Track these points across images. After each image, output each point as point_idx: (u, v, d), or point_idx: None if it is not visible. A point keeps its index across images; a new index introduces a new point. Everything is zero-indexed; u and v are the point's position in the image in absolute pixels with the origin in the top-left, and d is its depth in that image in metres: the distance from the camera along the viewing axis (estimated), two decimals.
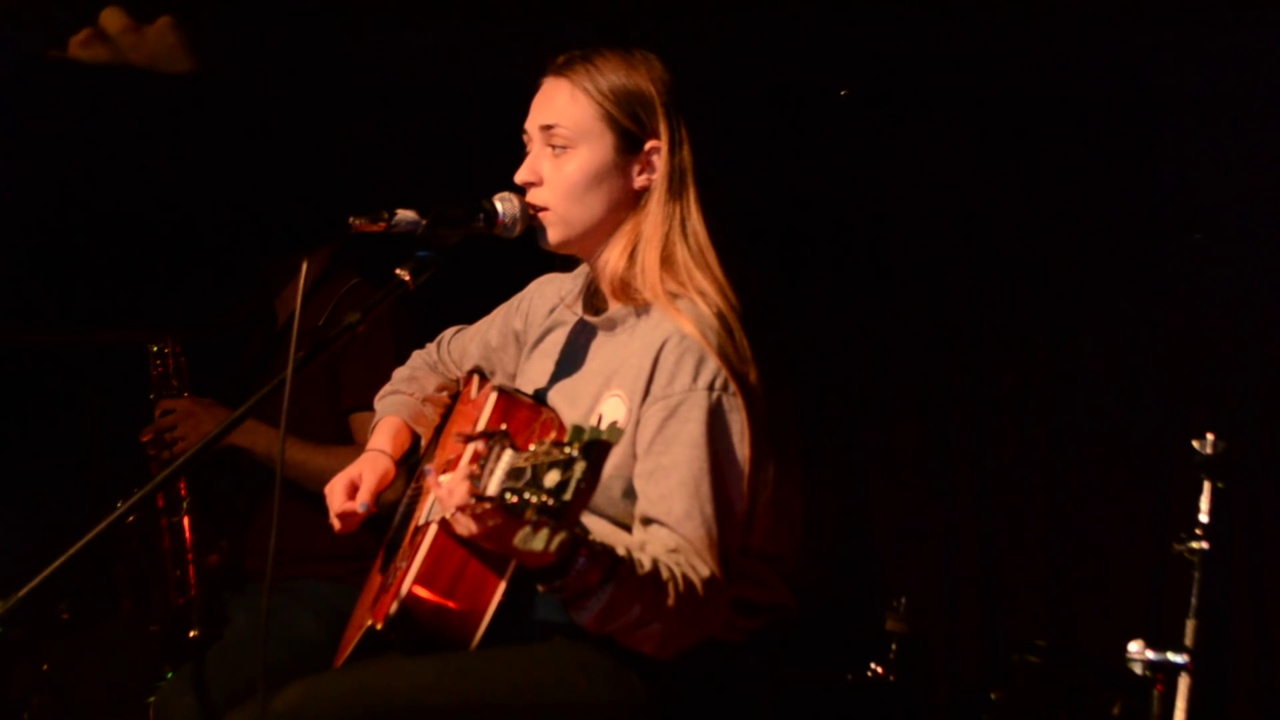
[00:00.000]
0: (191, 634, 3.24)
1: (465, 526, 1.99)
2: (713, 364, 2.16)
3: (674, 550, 2.11)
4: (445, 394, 2.72)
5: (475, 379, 2.65)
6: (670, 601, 2.04)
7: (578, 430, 1.80)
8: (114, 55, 1.23)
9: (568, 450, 1.78)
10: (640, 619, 2.06)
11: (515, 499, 1.80)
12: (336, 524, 2.49)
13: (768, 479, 2.19)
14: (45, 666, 3.13)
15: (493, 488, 1.88)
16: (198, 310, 3.69)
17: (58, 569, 2.13)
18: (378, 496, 2.50)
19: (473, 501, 1.92)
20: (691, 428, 2.14)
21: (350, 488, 2.49)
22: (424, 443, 2.69)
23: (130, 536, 3.37)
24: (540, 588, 2.03)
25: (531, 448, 1.85)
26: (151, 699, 3.09)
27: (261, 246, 3.59)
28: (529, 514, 1.77)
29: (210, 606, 3.30)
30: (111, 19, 1.26)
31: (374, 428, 2.66)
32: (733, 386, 2.16)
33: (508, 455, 1.90)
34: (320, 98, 4.21)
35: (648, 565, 2.05)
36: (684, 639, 2.11)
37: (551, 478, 1.77)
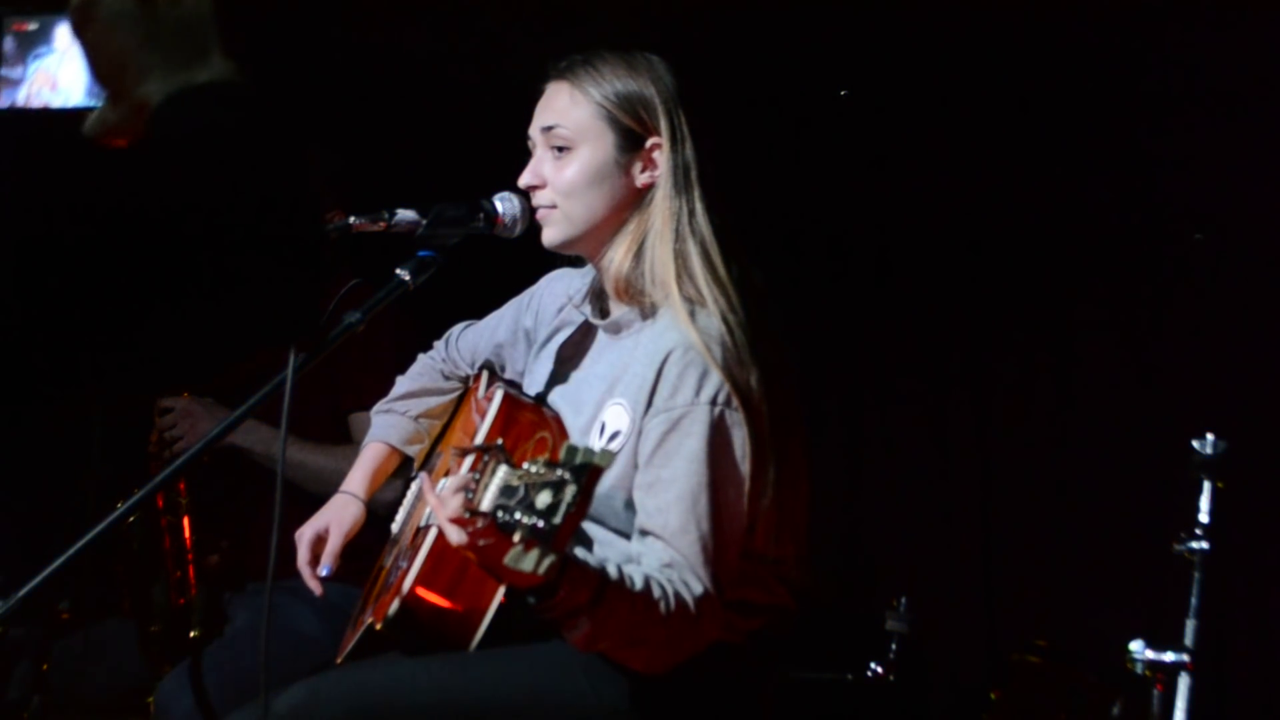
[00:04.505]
0: (192, 634, 3.24)
1: (456, 538, 1.99)
2: (716, 378, 2.14)
3: (668, 565, 2.09)
4: (448, 399, 2.72)
5: (485, 375, 2.65)
6: (660, 620, 2.03)
7: (571, 450, 1.78)
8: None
9: (560, 472, 1.77)
10: (630, 638, 2.05)
11: (507, 517, 1.79)
12: (306, 574, 2.52)
13: (769, 488, 2.18)
14: (45, 666, 3.13)
15: (486, 504, 1.86)
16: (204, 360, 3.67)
17: (58, 569, 2.12)
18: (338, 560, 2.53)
19: (465, 515, 1.91)
20: (692, 442, 2.13)
21: (316, 542, 2.55)
22: (418, 459, 2.71)
23: (130, 536, 3.37)
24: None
25: (525, 465, 1.83)
26: (151, 698, 3.09)
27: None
28: (518, 534, 1.76)
29: (210, 606, 3.30)
30: None
31: (361, 449, 2.69)
32: (736, 401, 2.14)
33: (502, 471, 1.88)
34: (320, 98, 4.22)
35: (639, 583, 2.03)
36: (674, 656, 2.10)
37: (543, 498, 1.76)
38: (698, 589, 2.08)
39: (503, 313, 2.66)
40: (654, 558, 2.11)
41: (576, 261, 2.49)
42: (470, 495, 1.92)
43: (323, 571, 2.51)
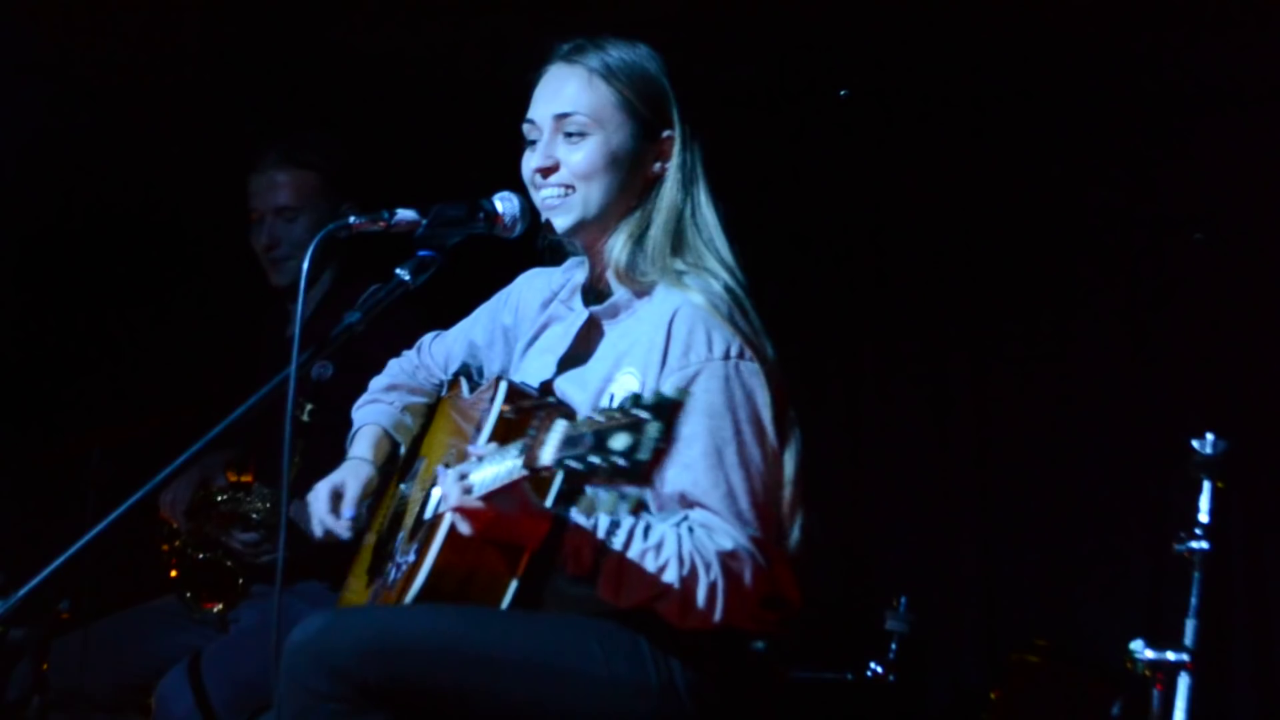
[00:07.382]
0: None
1: (466, 530, 1.99)
2: (725, 331, 2.16)
3: (703, 524, 2.10)
4: (425, 400, 2.70)
5: (461, 381, 2.62)
6: (687, 575, 2.05)
7: (636, 397, 1.79)
8: None
9: (635, 413, 1.76)
10: (658, 592, 2.06)
11: (579, 465, 1.79)
12: (318, 531, 2.49)
13: (792, 444, 2.19)
14: (45, 666, 3.13)
15: (548, 457, 1.87)
16: None
17: (58, 568, 2.12)
18: (360, 505, 2.50)
19: (474, 504, 1.92)
20: (711, 397, 2.13)
21: (334, 497, 2.50)
22: (404, 451, 2.69)
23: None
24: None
25: (589, 415, 1.83)
26: (152, 699, 3.10)
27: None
28: (601, 477, 1.77)
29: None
30: None
31: (354, 436, 2.66)
32: (749, 352, 2.15)
33: (561, 425, 1.88)
34: (321, 97, 4.22)
35: (657, 536, 2.06)
36: (709, 612, 2.09)
37: (620, 440, 1.75)
38: (729, 544, 2.08)
39: (476, 316, 2.65)
40: (686, 517, 2.11)
41: (552, 261, 2.49)
42: (467, 480, 1.95)
43: (347, 513, 2.48)
